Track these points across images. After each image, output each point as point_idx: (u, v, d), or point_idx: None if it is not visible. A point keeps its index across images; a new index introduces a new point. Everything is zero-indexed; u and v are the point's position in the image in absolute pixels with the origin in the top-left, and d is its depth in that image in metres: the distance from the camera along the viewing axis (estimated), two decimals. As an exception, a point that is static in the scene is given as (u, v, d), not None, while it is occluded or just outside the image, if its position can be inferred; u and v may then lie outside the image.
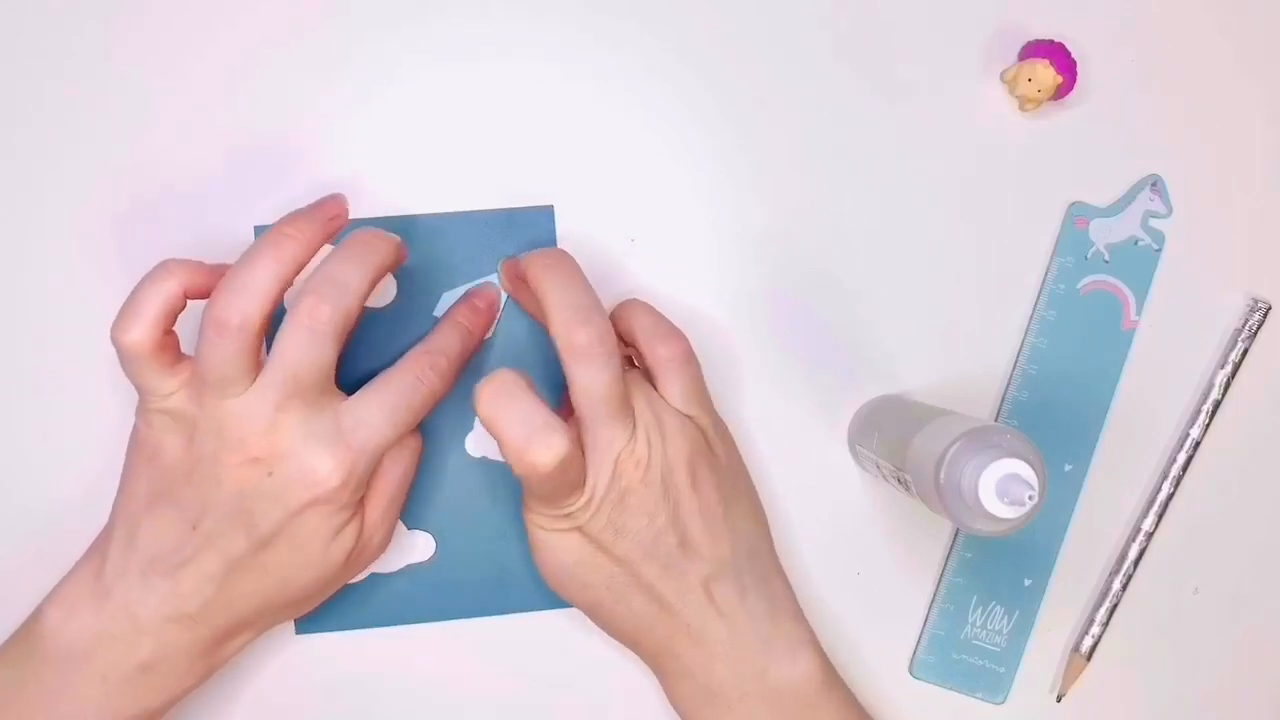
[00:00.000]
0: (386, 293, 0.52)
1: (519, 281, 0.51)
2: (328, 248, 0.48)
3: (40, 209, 0.51)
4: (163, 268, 0.45)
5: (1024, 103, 0.53)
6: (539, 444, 0.43)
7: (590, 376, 0.46)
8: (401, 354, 0.52)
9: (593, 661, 0.54)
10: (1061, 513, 0.55)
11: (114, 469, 0.48)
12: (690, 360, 0.49)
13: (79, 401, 0.52)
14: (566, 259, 0.48)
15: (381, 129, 0.52)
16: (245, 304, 0.44)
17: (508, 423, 0.44)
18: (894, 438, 0.48)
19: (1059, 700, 0.56)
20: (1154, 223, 0.55)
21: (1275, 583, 0.56)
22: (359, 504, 0.47)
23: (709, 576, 0.48)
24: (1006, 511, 0.42)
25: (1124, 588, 0.55)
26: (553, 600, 0.52)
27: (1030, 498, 0.41)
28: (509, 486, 0.53)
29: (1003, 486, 0.41)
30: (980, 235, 0.55)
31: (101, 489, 0.48)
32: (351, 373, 0.52)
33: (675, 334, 0.49)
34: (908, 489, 0.47)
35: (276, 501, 0.44)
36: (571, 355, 0.46)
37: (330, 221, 0.47)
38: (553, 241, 0.53)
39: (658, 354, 0.49)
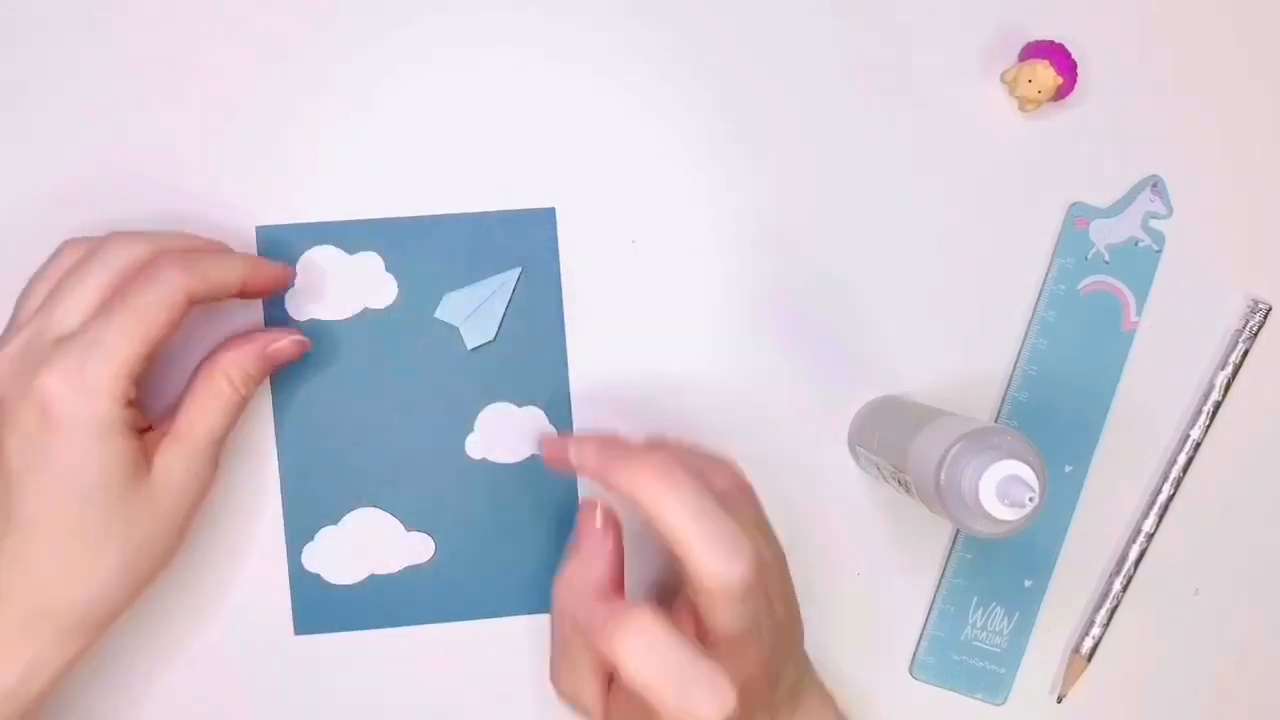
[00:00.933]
0: (387, 293, 0.52)
1: (567, 464, 0.46)
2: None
3: (36, 209, 0.51)
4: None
5: (1024, 103, 0.53)
6: (706, 704, 0.39)
7: (742, 614, 0.41)
8: (400, 358, 0.52)
9: (593, 662, 0.53)
10: (1061, 513, 0.55)
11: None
12: (750, 489, 0.48)
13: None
14: (677, 464, 0.42)
15: (382, 130, 0.52)
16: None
17: (664, 685, 0.39)
18: (894, 439, 0.48)
19: (1059, 701, 0.56)
20: (1154, 223, 0.55)
21: (1275, 583, 0.56)
22: (133, 431, 0.45)
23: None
24: (1007, 513, 0.42)
25: (1124, 588, 0.55)
26: (551, 602, 0.52)
27: (1030, 499, 0.41)
28: (509, 488, 0.53)
29: (1003, 488, 0.41)
30: (980, 235, 0.55)
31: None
32: (351, 380, 0.52)
33: (725, 463, 0.47)
34: (908, 490, 0.47)
35: (16, 430, 0.43)
36: (725, 596, 0.41)
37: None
38: (553, 242, 0.53)
39: (715, 489, 0.45)
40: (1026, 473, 0.41)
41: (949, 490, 0.43)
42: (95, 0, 0.51)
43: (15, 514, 0.44)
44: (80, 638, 0.45)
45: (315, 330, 0.52)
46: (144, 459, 0.45)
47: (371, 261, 0.52)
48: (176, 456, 0.46)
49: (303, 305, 0.52)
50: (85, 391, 0.43)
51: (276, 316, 0.52)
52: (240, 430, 0.52)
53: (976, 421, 0.45)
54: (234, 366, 0.47)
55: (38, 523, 0.43)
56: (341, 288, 0.52)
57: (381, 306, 0.52)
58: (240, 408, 0.48)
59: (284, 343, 0.49)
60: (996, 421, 0.55)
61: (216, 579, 0.53)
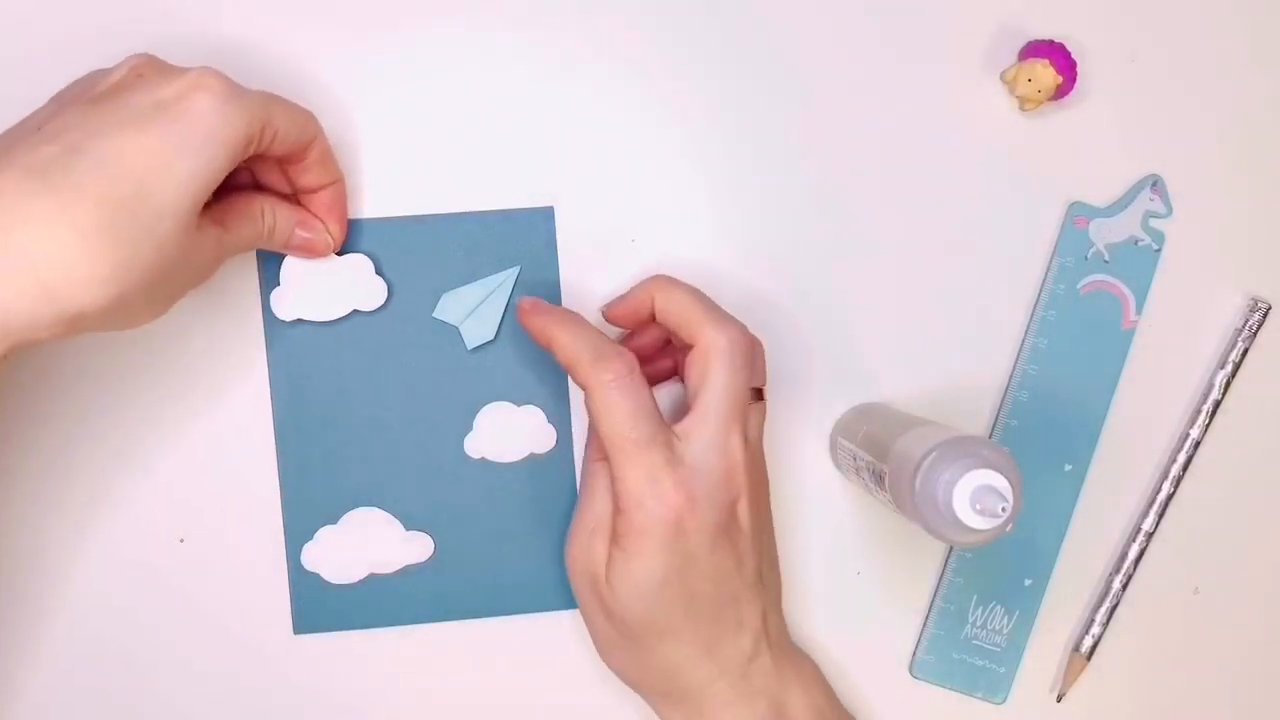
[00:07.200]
0: (377, 296, 0.52)
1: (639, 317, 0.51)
2: None
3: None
4: None
5: (1024, 103, 0.53)
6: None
7: (735, 375, 0.47)
8: (399, 357, 0.52)
9: (592, 663, 0.53)
10: (1061, 512, 0.55)
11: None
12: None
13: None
14: (672, 276, 0.50)
15: (382, 129, 0.52)
16: None
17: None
18: (877, 440, 0.48)
19: (1059, 700, 0.56)
20: (1154, 223, 0.55)
21: (1275, 583, 0.56)
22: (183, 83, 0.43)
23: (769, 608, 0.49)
24: (980, 522, 0.41)
25: (1124, 588, 0.55)
26: (551, 601, 0.52)
27: (1004, 509, 0.41)
28: (508, 487, 0.53)
29: (977, 497, 0.41)
30: (980, 235, 0.55)
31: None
32: (350, 380, 0.52)
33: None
34: (881, 484, 0.47)
35: (151, 90, 0.43)
36: (722, 353, 0.47)
37: None
38: (553, 241, 0.53)
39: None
40: (1001, 482, 0.41)
41: (923, 496, 0.42)
42: (97, 2, 0.51)
43: (93, 151, 0.40)
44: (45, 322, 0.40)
45: (311, 331, 0.52)
46: (206, 212, 0.44)
47: (361, 264, 0.52)
48: (217, 235, 0.45)
49: (290, 305, 0.52)
50: (234, 101, 0.43)
51: (272, 315, 0.52)
52: (239, 429, 0.52)
53: (955, 430, 0.45)
54: (273, 209, 0.48)
55: (111, 171, 0.40)
56: (331, 288, 0.52)
57: (372, 309, 0.52)
58: (262, 242, 0.48)
59: (316, 238, 0.50)
60: (996, 421, 0.55)
61: (216, 579, 0.53)
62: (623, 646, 0.49)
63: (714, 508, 0.46)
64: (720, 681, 0.48)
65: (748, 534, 0.47)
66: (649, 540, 0.46)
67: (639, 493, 0.45)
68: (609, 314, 0.51)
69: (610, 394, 0.46)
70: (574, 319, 0.49)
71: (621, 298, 0.51)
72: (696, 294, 0.49)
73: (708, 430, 0.46)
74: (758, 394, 0.50)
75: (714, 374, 0.47)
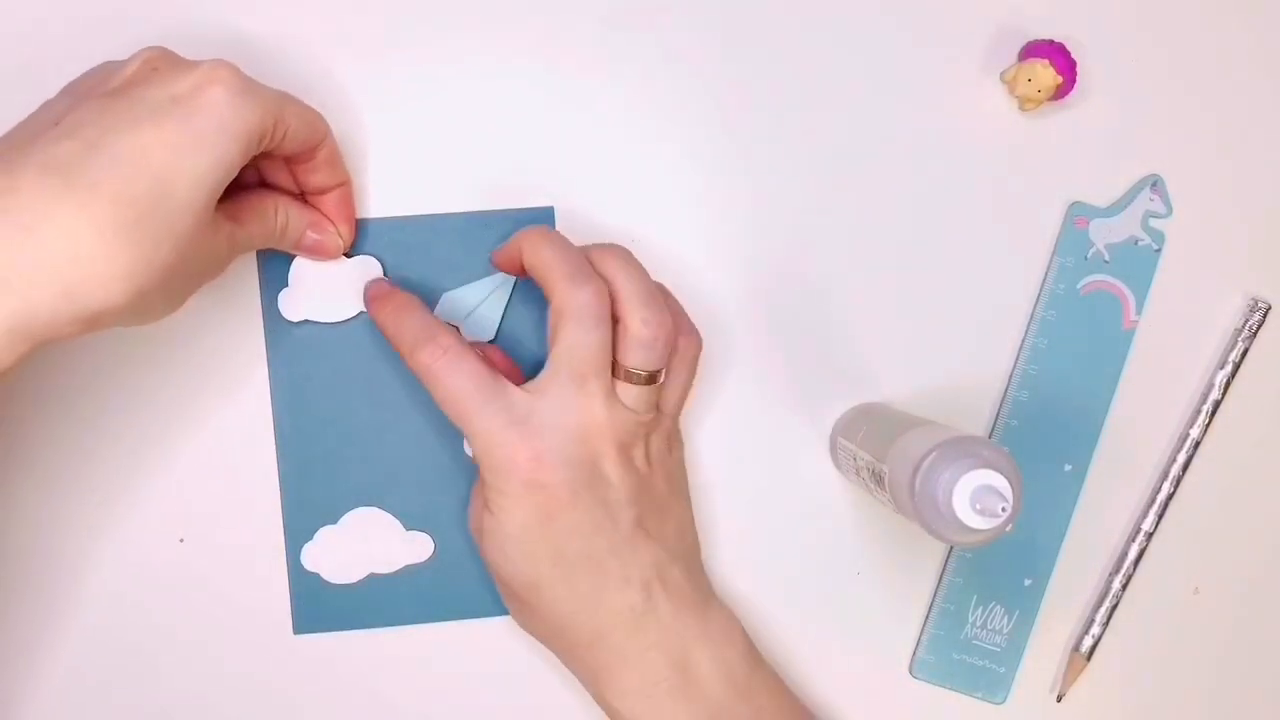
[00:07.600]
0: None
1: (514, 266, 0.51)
2: None
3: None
4: None
5: (1024, 103, 0.53)
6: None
7: (593, 336, 0.46)
8: (398, 357, 0.52)
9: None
10: (1061, 512, 0.55)
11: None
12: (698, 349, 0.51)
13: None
14: (551, 231, 0.50)
15: (382, 129, 0.52)
16: None
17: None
18: (877, 440, 0.48)
19: (1059, 700, 0.56)
20: (1154, 223, 0.55)
21: (1275, 583, 0.56)
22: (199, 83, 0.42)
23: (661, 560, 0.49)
24: (980, 522, 0.41)
25: (1124, 588, 0.55)
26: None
27: (1004, 509, 0.41)
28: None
29: (977, 497, 0.41)
30: (980, 235, 0.55)
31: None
32: (349, 380, 0.52)
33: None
34: (880, 484, 0.47)
35: (165, 85, 0.42)
36: (570, 315, 0.46)
37: None
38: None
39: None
40: (1001, 482, 0.41)
41: (923, 496, 0.42)
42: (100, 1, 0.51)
43: (110, 147, 0.40)
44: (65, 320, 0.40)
45: (312, 332, 0.52)
46: (220, 208, 0.44)
47: (369, 265, 0.52)
48: (230, 231, 0.45)
49: (298, 306, 0.52)
50: (248, 94, 0.43)
51: (273, 316, 0.52)
52: (239, 429, 0.52)
53: (955, 430, 0.45)
54: (285, 208, 0.49)
55: (129, 168, 0.40)
56: (339, 289, 0.52)
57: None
58: (273, 240, 0.49)
59: (327, 240, 0.50)
60: (996, 421, 0.55)
61: (216, 578, 0.53)
62: (514, 605, 0.50)
63: (567, 465, 0.46)
64: (613, 635, 0.48)
65: (621, 488, 0.47)
66: (506, 499, 0.46)
67: (489, 456, 0.46)
68: (493, 256, 0.52)
69: (435, 374, 0.47)
70: (405, 305, 0.49)
71: (503, 245, 0.51)
72: (562, 251, 0.48)
73: (555, 388, 0.46)
74: (651, 378, 0.48)
75: (564, 333, 0.46)
